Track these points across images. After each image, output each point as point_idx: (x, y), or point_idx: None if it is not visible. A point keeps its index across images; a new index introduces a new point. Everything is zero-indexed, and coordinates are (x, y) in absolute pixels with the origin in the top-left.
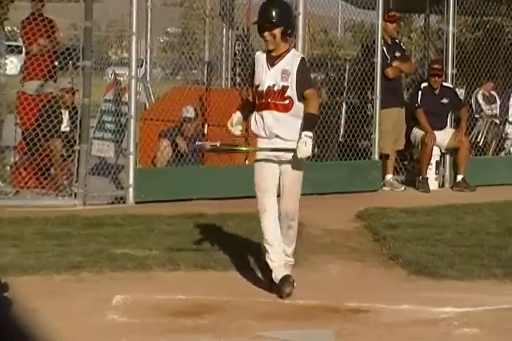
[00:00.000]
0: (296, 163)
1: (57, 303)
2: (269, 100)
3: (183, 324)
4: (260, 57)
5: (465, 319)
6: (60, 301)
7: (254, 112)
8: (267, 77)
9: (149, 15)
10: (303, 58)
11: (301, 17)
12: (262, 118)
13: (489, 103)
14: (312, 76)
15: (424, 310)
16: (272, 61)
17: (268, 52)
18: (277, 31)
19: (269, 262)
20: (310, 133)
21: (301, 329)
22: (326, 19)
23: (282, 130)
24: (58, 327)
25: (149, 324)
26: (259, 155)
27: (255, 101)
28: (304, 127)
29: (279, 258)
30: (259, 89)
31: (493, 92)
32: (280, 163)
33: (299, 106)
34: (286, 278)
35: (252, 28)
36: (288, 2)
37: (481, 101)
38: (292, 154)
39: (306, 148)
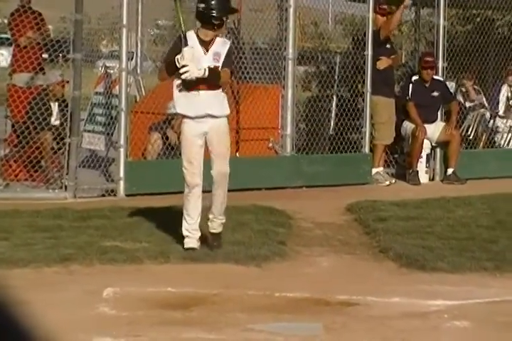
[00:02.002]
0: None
1: (48, 296)
2: None
3: (173, 316)
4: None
5: (455, 312)
6: (50, 294)
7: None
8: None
9: (140, 8)
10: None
11: (291, 10)
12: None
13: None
14: (303, 69)
15: (414, 302)
16: (206, 46)
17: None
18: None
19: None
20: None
21: (291, 321)
22: (316, 12)
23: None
24: (48, 319)
25: (139, 316)
26: None
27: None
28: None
29: None
30: None
31: (475, 86)
32: None
33: None
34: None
35: (243, 21)
36: None
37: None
38: None
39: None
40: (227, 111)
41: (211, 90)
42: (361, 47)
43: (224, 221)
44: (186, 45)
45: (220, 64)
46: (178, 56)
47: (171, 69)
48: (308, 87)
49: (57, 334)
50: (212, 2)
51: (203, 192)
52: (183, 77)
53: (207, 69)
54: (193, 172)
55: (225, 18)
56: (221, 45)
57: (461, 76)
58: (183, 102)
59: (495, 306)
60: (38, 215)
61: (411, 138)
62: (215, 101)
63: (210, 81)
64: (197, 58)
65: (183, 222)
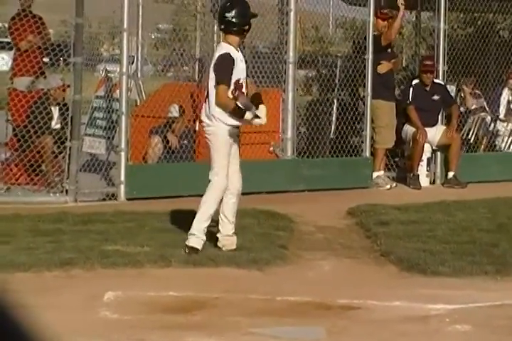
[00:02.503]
0: None
1: (49, 300)
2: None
3: (174, 320)
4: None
5: (456, 316)
6: (51, 298)
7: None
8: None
9: (140, 12)
10: None
11: (292, 13)
12: None
13: (475, 98)
14: (303, 72)
15: (415, 306)
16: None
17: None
18: None
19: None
20: None
21: (293, 325)
22: (317, 16)
23: None
24: (50, 323)
25: (141, 320)
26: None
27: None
28: None
29: None
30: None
31: (476, 90)
32: None
33: None
34: None
35: None
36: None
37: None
38: None
39: None
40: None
41: None
42: (362, 51)
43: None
44: (233, 59)
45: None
46: (257, 112)
47: (237, 110)
48: (309, 91)
49: (58, 338)
50: (238, 9)
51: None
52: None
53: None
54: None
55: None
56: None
57: (460, 82)
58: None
59: (496, 310)
60: (38, 219)
61: (412, 142)
62: None
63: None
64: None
65: (203, 224)
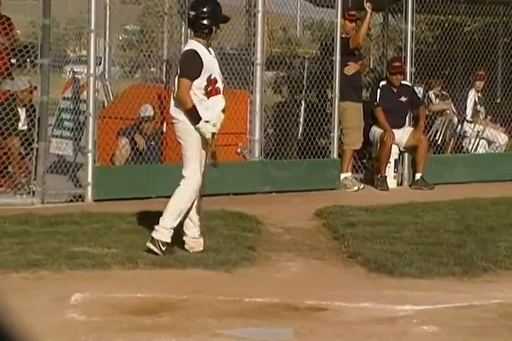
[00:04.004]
0: None
1: (16, 301)
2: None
3: (142, 322)
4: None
5: (424, 317)
6: (18, 299)
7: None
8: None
9: (108, 13)
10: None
11: (259, 15)
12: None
13: (442, 100)
14: (271, 74)
15: (383, 308)
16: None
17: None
18: None
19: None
20: None
21: (260, 327)
22: (284, 17)
23: None
24: (17, 325)
25: (108, 322)
26: None
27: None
28: None
29: None
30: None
31: (444, 92)
32: None
33: None
34: None
35: None
36: None
37: (433, 98)
38: None
39: None
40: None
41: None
42: (329, 53)
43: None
44: (201, 58)
45: None
46: (211, 121)
47: (193, 112)
48: (277, 93)
49: (25, 340)
50: (208, 8)
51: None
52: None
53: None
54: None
55: (215, 27)
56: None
57: (427, 84)
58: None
59: (463, 311)
60: (5, 221)
61: (379, 144)
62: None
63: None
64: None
65: (175, 216)
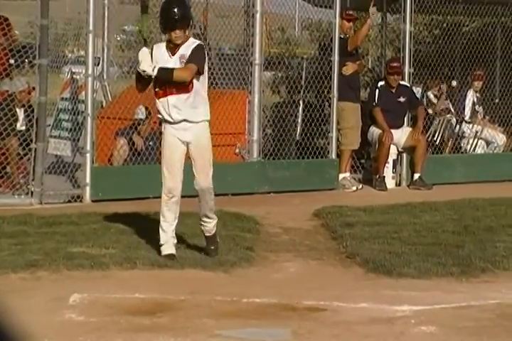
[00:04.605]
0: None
1: (14, 302)
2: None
3: (140, 322)
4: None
5: (422, 317)
6: (16, 300)
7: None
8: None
9: (106, 13)
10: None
11: (258, 15)
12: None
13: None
14: (270, 74)
15: (381, 308)
16: (172, 50)
17: (168, 43)
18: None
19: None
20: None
21: (259, 327)
22: (283, 17)
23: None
24: (15, 326)
25: (106, 323)
26: None
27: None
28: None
29: None
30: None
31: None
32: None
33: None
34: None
35: (210, 27)
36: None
37: (432, 98)
38: None
39: None
40: (204, 117)
41: (180, 94)
42: (328, 53)
43: (216, 220)
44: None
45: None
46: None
47: (139, 79)
48: (275, 93)
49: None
50: (164, 7)
51: (186, 197)
52: (143, 74)
53: (156, 67)
54: (173, 180)
55: (180, 23)
56: (188, 47)
57: (425, 84)
58: (160, 109)
59: (461, 311)
60: (3, 221)
61: (378, 144)
62: (188, 106)
63: (163, 80)
64: (162, 62)
65: (160, 230)
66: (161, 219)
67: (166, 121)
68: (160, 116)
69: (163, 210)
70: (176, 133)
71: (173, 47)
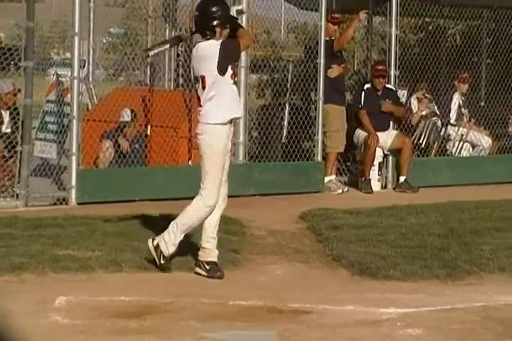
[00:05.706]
0: None
1: (0, 304)
2: None
3: (126, 325)
4: None
5: (408, 319)
6: (2, 302)
7: None
8: None
9: (92, 16)
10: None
11: (243, 18)
12: None
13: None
14: (255, 77)
15: (367, 310)
16: None
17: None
18: None
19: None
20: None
21: (244, 330)
22: (268, 20)
23: None
24: (0, 328)
25: (92, 325)
26: None
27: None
28: None
29: None
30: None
31: (427, 95)
32: None
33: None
34: None
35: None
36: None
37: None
38: None
39: None
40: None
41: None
42: (313, 56)
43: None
44: None
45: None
46: None
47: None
48: (261, 96)
49: None
50: (203, 11)
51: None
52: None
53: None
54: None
55: (219, 28)
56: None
57: (411, 87)
58: (227, 101)
59: (447, 314)
60: None
61: (363, 147)
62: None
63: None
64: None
65: (176, 237)
66: (189, 226)
67: (225, 119)
68: (220, 114)
69: (199, 220)
70: (229, 134)
71: None
